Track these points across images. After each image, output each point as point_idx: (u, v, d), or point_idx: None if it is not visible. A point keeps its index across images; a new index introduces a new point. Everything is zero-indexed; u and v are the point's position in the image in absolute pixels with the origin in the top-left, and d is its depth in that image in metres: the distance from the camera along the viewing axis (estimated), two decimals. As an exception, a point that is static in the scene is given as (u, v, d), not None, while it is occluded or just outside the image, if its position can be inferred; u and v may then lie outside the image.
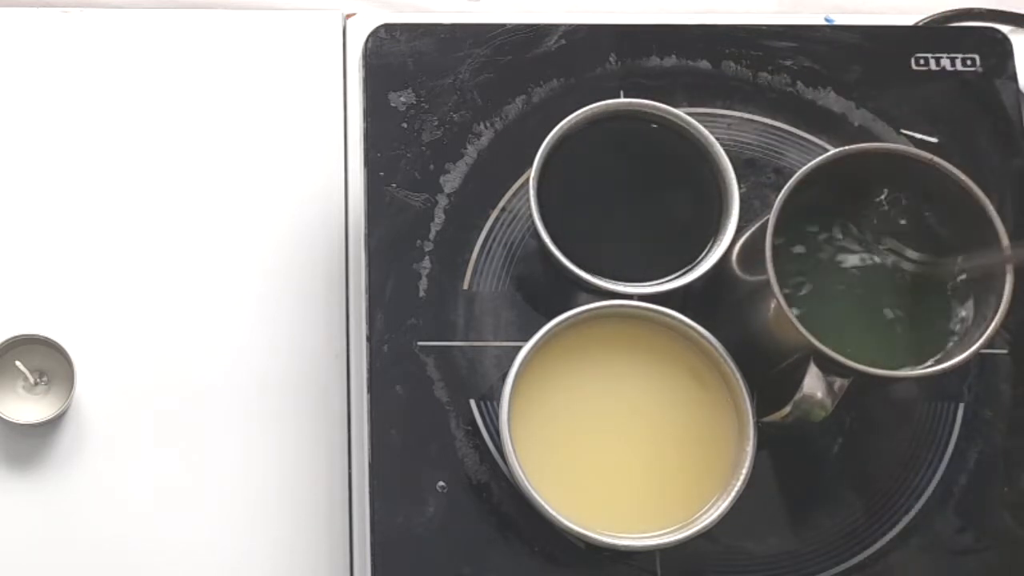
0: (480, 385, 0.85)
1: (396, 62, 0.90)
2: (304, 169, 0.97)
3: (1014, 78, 0.91)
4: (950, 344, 0.79)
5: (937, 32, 0.97)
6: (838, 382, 0.78)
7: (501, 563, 0.83)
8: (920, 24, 0.98)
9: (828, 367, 0.77)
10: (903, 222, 0.81)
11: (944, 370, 0.77)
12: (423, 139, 0.89)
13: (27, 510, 0.90)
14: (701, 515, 0.80)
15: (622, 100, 0.87)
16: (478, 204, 0.88)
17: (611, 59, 0.91)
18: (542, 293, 0.87)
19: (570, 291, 0.85)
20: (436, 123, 0.89)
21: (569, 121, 0.84)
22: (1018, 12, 1.00)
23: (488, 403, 0.84)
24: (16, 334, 0.90)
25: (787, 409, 0.79)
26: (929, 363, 0.78)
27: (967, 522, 0.84)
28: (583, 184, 0.85)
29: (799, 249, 0.81)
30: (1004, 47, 0.92)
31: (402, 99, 0.89)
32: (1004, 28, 0.95)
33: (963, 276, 0.79)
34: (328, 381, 0.93)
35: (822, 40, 0.92)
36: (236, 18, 1.01)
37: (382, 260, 0.87)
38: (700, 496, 0.81)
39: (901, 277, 0.80)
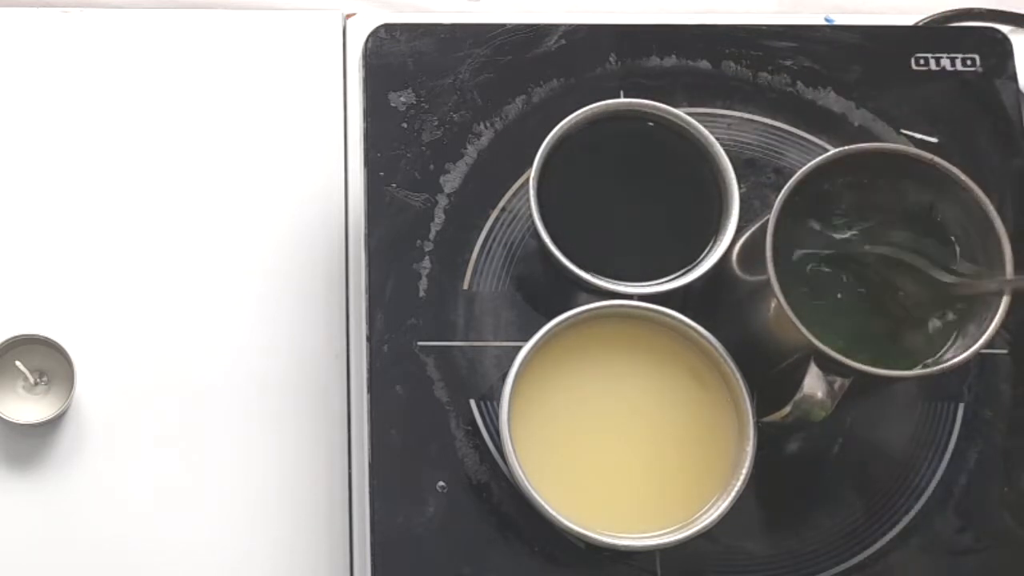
0: (480, 385, 0.85)
1: (396, 62, 0.90)
2: (304, 169, 0.97)
3: (1014, 78, 0.91)
4: (950, 344, 0.79)
5: (937, 32, 0.97)
6: (838, 382, 0.78)
7: (501, 563, 0.83)
8: (920, 24, 0.98)
9: (828, 367, 0.77)
10: (903, 222, 0.81)
11: (944, 370, 0.77)
12: (423, 139, 0.89)
13: (27, 510, 0.90)
14: (701, 515, 0.80)
15: (622, 100, 0.86)
16: (478, 204, 0.88)
17: (611, 59, 0.91)
18: (542, 293, 0.87)
19: (570, 291, 0.85)
20: (436, 123, 0.89)
21: (569, 121, 0.84)
22: (1018, 12, 1.00)
23: (488, 403, 0.84)
24: (16, 334, 0.90)
25: (787, 409, 0.79)
26: (929, 363, 0.78)
27: (967, 522, 0.84)
28: (583, 184, 0.85)
29: (799, 249, 0.81)
30: (1004, 47, 0.92)
31: (402, 99, 0.89)
32: (1004, 28, 0.94)
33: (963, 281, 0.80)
34: (328, 381, 0.93)
35: (822, 40, 0.92)
36: (236, 18, 1.01)
37: (382, 260, 0.87)
38: (700, 496, 0.81)
39: (902, 277, 0.80)
